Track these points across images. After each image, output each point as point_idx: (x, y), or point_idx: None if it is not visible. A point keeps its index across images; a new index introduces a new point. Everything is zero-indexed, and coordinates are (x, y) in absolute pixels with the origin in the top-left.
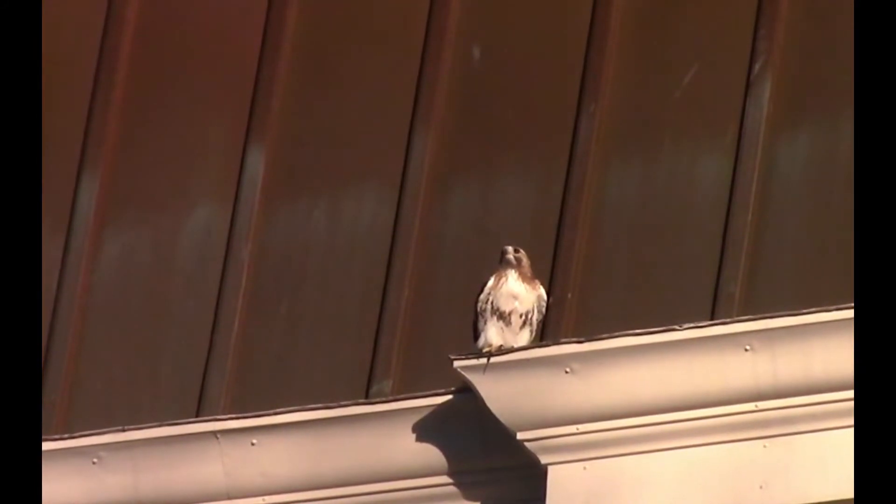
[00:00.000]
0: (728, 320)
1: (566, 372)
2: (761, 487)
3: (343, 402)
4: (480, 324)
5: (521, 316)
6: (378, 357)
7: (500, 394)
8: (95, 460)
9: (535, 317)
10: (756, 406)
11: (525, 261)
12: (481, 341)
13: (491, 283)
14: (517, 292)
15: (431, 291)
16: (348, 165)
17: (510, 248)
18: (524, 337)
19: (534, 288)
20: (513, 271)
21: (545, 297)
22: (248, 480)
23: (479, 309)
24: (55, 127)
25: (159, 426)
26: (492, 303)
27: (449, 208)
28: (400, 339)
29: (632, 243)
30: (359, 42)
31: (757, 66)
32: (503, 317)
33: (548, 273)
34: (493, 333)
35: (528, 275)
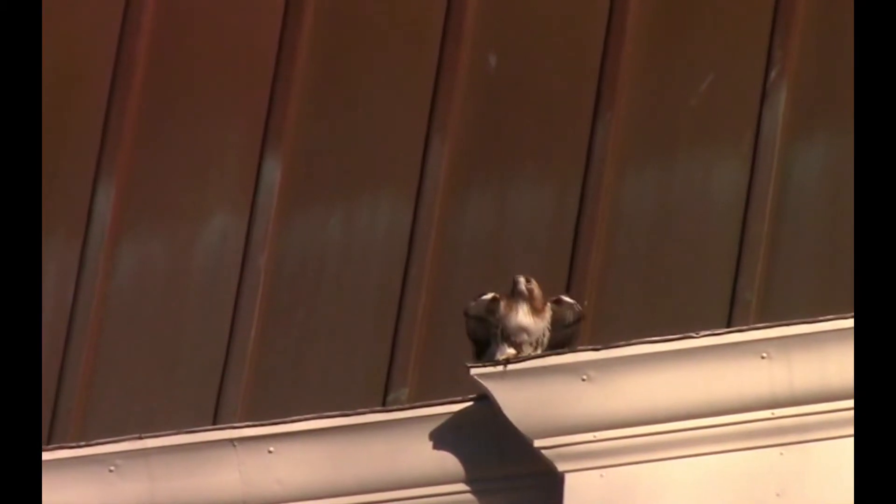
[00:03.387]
0: (744, 328)
1: (583, 379)
2: (778, 495)
3: (360, 410)
4: (493, 343)
5: (531, 344)
6: (395, 365)
7: (516, 401)
8: (112, 468)
9: (547, 338)
10: (772, 413)
11: (536, 291)
12: (498, 354)
13: (501, 308)
14: (527, 326)
15: (448, 299)
16: (364, 173)
17: (521, 279)
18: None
19: (542, 318)
20: (524, 304)
21: (577, 306)
22: (265, 488)
23: (480, 319)
24: (71, 135)
25: (176, 434)
26: (502, 330)
27: (465, 216)
28: (416, 347)
29: (648, 251)
30: (375, 50)
31: (773, 74)
32: (514, 345)
33: (564, 281)
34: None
35: (539, 306)
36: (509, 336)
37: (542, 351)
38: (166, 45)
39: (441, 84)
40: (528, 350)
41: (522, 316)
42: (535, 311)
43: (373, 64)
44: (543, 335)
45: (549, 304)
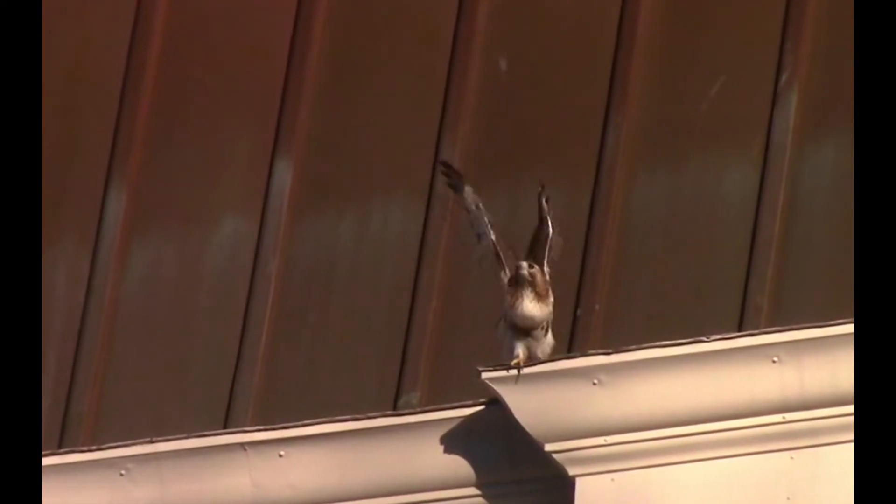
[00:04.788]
0: (755, 332)
1: (594, 383)
2: (788, 499)
3: (371, 414)
4: (505, 333)
5: (540, 328)
6: (406, 369)
7: (527, 405)
8: (123, 472)
9: (552, 319)
10: (783, 417)
11: (539, 276)
12: (515, 351)
13: (507, 300)
14: (532, 314)
15: (459, 303)
16: (376, 177)
17: (524, 264)
18: (549, 342)
19: (547, 304)
20: (528, 291)
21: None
22: (276, 492)
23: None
24: (82, 139)
25: (187, 438)
26: (510, 321)
27: None
28: (428, 351)
29: (659, 255)
30: (386, 53)
31: (783, 78)
32: (524, 332)
33: (575, 284)
34: (521, 347)
35: (543, 292)
36: (516, 326)
37: (552, 332)
38: (177, 49)
39: (452, 87)
40: (539, 333)
41: (528, 303)
42: (539, 296)
43: (384, 67)
44: (549, 318)
45: (550, 289)
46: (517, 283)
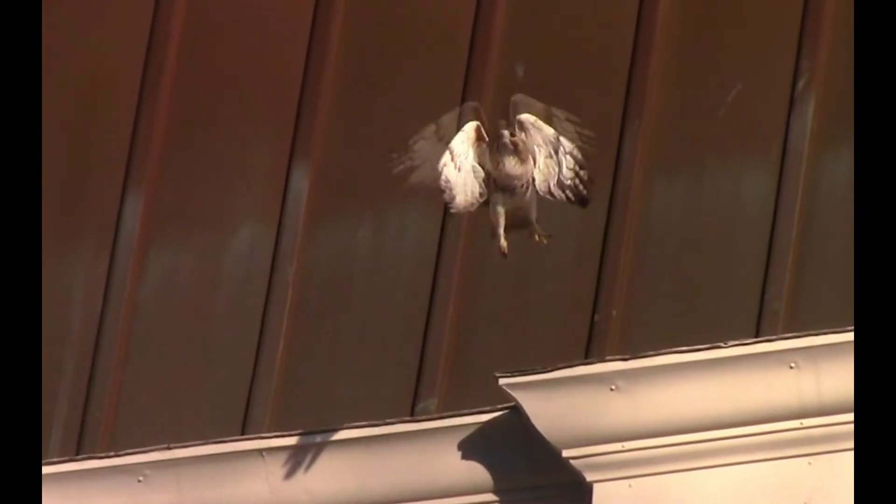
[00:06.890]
0: (773, 338)
1: (611, 389)
2: None
3: (388, 420)
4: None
5: (522, 186)
6: (423, 375)
7: (545, 411)
8: (141, 478)
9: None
10: (801, 423)
11: (521, 145)
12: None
13: (488, 165)
14: (516, 174)
15: (476, 309)
16: (393, 184)
17: (506, 133)
18: (531, 193)
19: (528, 163)
20: (510, 157)
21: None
22: (293, 498)
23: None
24: (100, 145)
25: (204, 444)
26: (495, 181)
27: None
28: (445, 357)
29: (676, 261)
30: (402, 60)
31: (801, 84)
32: (508, 190)
33: (592, 290)
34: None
35: (524, 156)
36: (501, 187)
37: (530, 189)
38: (195, 55)
39: (468, 94)
40: (521, 191)
41: (510, 167)
42: (522, 161)
43: (400, 74)
44: (531, 178)
45: (530, 155)
46: (498, 150)
